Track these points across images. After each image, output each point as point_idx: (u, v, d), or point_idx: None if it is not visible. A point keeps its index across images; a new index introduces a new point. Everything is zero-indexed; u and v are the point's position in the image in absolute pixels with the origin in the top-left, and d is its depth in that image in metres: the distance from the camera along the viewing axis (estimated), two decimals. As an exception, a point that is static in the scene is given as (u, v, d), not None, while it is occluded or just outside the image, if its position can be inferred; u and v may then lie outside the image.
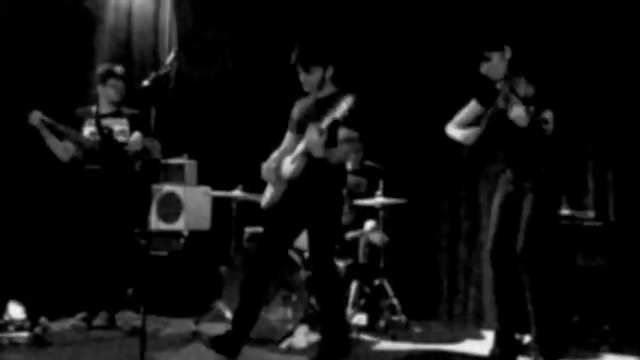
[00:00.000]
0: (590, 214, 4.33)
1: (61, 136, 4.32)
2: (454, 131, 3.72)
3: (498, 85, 3.49)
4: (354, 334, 4.23)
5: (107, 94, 4.41)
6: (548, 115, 3.25)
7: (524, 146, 3.46)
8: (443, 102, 4.56)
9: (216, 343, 3.43)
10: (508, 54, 3.47)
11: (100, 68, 4.50)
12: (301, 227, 3.61)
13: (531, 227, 3.41)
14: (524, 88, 3.39)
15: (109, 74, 4.42)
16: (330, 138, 3.41)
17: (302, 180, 3.50)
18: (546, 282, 3.41)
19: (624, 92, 4.40)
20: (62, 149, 4.34)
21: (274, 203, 3.59)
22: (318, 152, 3.39)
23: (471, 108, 3.70)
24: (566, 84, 4.19)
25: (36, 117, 4.17)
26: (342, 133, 3.46)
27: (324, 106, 3.45)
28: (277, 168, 3.58)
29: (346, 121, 3.41)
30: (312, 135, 3.38)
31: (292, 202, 3.54)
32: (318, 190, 3.50)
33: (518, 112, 3.28)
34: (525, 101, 3.28)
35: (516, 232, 3.45)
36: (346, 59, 4.80)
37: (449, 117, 3.78)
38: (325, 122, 3.33)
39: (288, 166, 3.51)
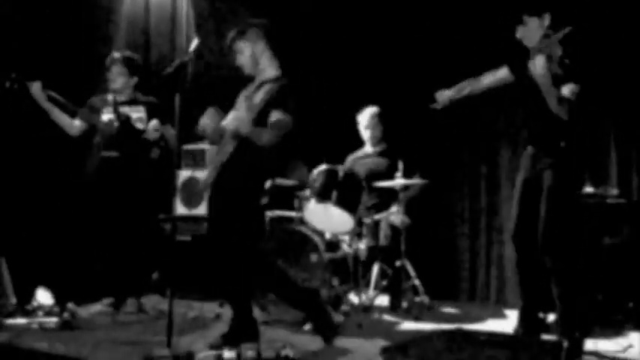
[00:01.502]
0: (614, 191, 4.29)
1: (73, 115, 4.34)
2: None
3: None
4: (376, 315, 4.27)
5: (109, 80, 4.40)
6: (569, 89, 3.18)
7: (545, 120, 3.38)
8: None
9: (228, 339, 3.41)
10: (547, 21, 3.35)
11: (109, 56, 4.47)
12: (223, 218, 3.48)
13: (551, 207, 3.34)
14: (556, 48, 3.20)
15: (111, 61, 4.40)
16: (260, 118, 3.38)
17: (229, 164, 3.44)
18: (569, 263, 3.36)
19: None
20: (68, 123, 4.36)
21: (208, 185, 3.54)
22: (245, 129, 3.35)
23: (502, 74, 3.57)
24: (589, 60, 4.10)
25: (36, 87, 4.16)
26: (274, 115, 3.39)
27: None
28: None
29: (277, 103, 3.39)
30: (241, 111, 3.39)
31: (218, 187, 3.48)
32: (226, 180, 3.42)
33: (539, 61, 3.15)
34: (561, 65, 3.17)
35: (538, 211, 3.39)
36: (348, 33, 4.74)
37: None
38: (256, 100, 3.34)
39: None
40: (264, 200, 4.21)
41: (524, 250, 3.50)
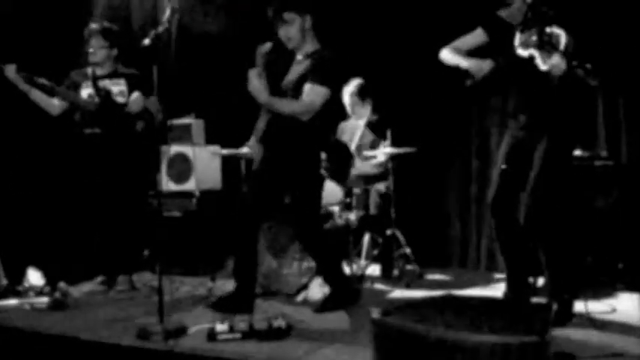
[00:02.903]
0: (602, 153, 4.29)
1: (52, 94, 4.28)
2: (447, 54, 3.53)
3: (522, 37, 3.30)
4: (368, 284, 4.29)
5: (89, 53, 4.31)
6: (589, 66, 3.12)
7: (540, 91, 3.33)
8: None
9: (223, 304, 3.48)
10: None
11: (86, 28, 4.35)
12: (280, 190, 3.59)
13: (545, 174, 3.29)
14: (564, 39, 3.17)
15: (89, 34, 4.30)
16: (292, 96, 3.44)
17: (270, 143, 3.51)
18: (559, 227, 3.35)
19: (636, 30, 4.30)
20: (48, 103, 4.29)
21: (255, 164, 3.63)
22: (261, 98, 3.40)
23: (476, 36, 3.51)
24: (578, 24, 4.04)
25: (10, 70, 4.08)
26: (307, 87, 3.42)
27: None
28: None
29: (312, 75, 3.40)
30: (252, 79, 3.39)
31: (268, 165, 3.55)
32: (287, 153, 3.49)
33: (556, 62, 3.09)
34: (566, 53, 3.11)
35: (522, 180, 3.34)
36: (329, 9, 4.73)
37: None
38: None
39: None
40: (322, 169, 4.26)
41: (502, 216, 3.44)
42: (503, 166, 3.46)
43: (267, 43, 3.46)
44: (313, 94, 3.43)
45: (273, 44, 3.48)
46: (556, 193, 3.35)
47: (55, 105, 4.32)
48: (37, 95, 4.23)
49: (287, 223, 3.97)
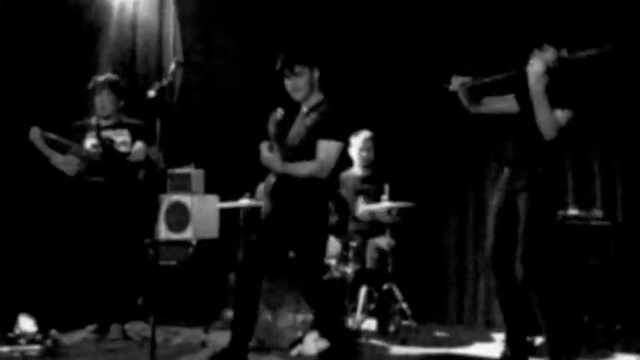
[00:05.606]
0: (598, 213, 4.31)
1: (63, 150, 4.30)
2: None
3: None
4: (363, 339, 4.24)
5: (97, 106, 4.36)
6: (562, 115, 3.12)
7: (523, 142, 3.36)
8: (450, 103, 4.57)
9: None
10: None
11: (92, 80, 4.40)
12: (286, 243, 3.54)
13: (528, 232, 3.27)
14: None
15: (98, 86, 4.34)
16: (299, 151, 3.42)
17: (279, 197, 3.49)
18: (552, 286, 3.31)
19: (632, 90, 4.38)
20: (66, 163, 4.28)
21: (263, 216, 3.60)
22: (277, 168, 3.40)
23: (508, 101, 3.51)
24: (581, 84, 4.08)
25: (35, 133, 4.11)
26: (321, 144, 3.41)
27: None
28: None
29: (324, 130, 3.41)
30: (264, 152, 3.40)
31: (275, 220, 3.52)
32: (296, 207, 3.45)
33: (536, 67, 3.09)
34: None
35: (515, 234, 3.32)
36: (337, 61, 4.85)
37: (454, 117, 3.67)
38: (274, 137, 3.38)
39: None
40: (332, 220, 4.26)
41: (502, 274, 3.42)
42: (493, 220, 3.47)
43: (279, 110, 3.48)
44: (328, 150, 3.41)
45: (284, 110, 3.50)
46: (543, 252, 3.29)
47: (73, 165, 4.30)
48: (57, 160, 4.22)
49: (285, 276, 3.94)
